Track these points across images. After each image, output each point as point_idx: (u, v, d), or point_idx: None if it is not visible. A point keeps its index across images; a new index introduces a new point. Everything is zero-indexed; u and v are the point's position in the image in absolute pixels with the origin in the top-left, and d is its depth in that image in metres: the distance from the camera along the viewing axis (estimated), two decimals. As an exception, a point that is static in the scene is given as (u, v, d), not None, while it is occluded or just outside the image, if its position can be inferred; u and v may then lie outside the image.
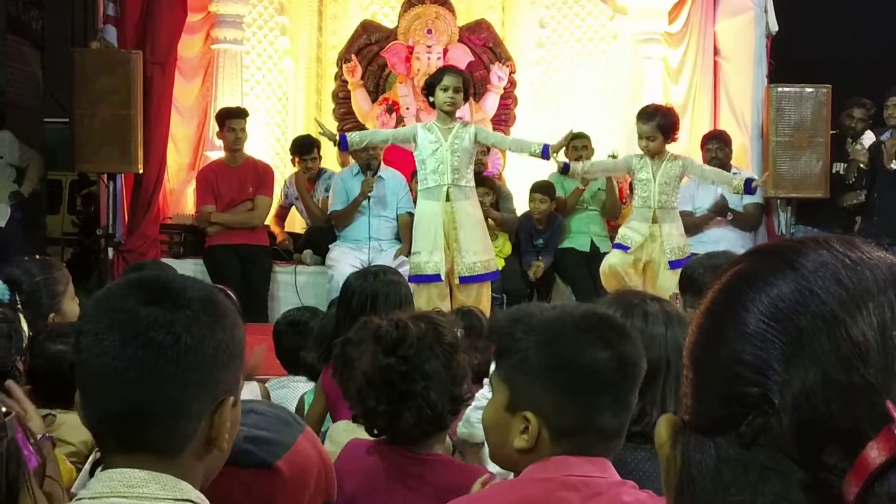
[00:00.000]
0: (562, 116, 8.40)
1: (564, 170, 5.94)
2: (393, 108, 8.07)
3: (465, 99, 5.81)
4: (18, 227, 7.63)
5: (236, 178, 7.10)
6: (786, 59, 7.83)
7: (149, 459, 1.25)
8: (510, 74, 8.28)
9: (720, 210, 7.20)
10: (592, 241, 7.24)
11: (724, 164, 7.36)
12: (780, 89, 7.36)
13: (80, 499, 1.25)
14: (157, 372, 1.23)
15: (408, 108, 8.04)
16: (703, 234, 7.25)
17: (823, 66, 7.73)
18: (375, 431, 2.14)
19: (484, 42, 8.34)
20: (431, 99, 5.71)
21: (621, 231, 5.97)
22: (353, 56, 8.15)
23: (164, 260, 6.20)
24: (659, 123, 5.66)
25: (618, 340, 1.56)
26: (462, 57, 8.21)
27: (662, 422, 0.80)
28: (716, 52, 8.10)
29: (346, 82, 8.17)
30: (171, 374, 1.24)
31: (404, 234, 7.06)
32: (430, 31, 8.11)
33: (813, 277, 0.70)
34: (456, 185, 5.65)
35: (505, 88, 8.27)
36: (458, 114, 5.88)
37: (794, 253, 0.73)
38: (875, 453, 0.64)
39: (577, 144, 7.34)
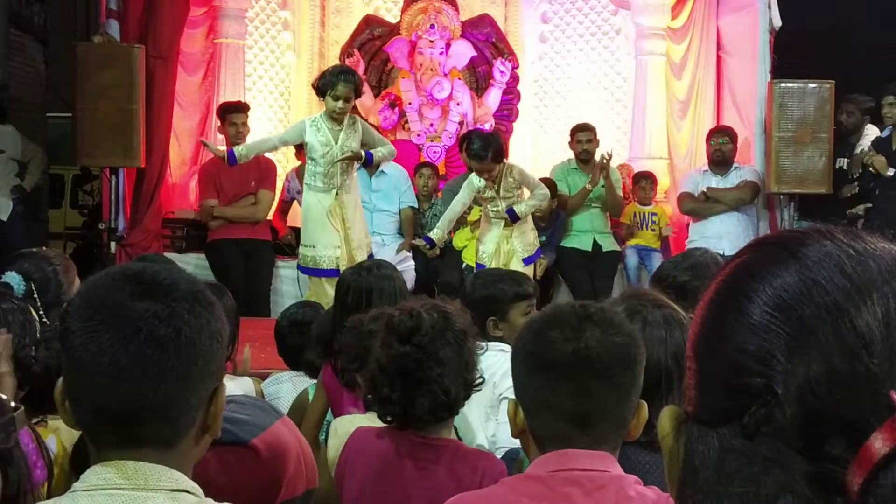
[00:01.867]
0: (564, 112, 8.41)
1: (429, 245, 6.03)
2: (395, 102, 8.07)
3: (357, 97, 5.84)
4: (20, 221, 7.63)
5: (238, 173, 7.08)
6: (789, 55, 7.81)
7: (148, 453, 1.24)
8: (513, 69, 8.27)
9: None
10: (595, 240, 7.23)
11: (728, 159, 7.36)
12: (783, 85, 7.35)
13: (73, 491, 1.24)
14: (159, 367, 1.22)
15: (410, 104, 8.03)
16: (706, 229, 7.25)
17: (827, 61, 7.70)
18: (389, 418, 2.17)
19: (487, 37, 8.33)
20: (321, 99, 5.72)
21: (479, 249, 6.04)
22: (356, 51, 8.14)
23: (167, 254, 6.20)
24: (493, 157, 5.71)
25: (583, 328, 1.59)
26: (465, 52, 8.20)
27: (665, 413, 0.80)
28: (719, 47, 8.09)
29: (348, 77, 8.15)
30: (172, 367, 1.23)
31: (407, 228, 7.06)
32: (432, 27, 8.11)
33: (817, 268, 0.70)
34: (344, 185, 5.70)
35: (507, 83, 8.26)
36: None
37: (798, 243, 0.72)
38: (879, 444, 0.63)
39: (583, 138, 7.33)
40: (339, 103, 5.58)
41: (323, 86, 5.67)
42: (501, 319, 3.26)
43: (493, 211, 5.93)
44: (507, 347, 3.14)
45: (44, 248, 3.60)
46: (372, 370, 2.17)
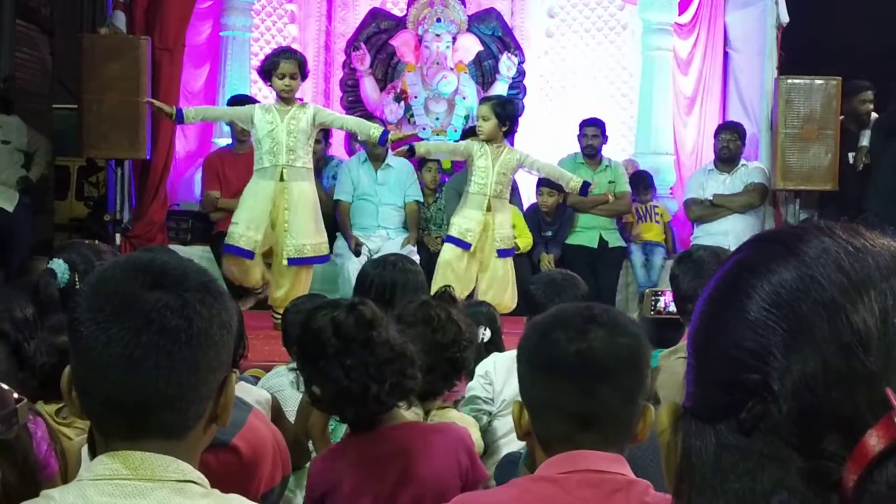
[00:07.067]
0: (570, 106, 8.40)
1: (410, 153, 5.84)
2: (401, 96, 8.06)
3: (303, 78, 5.84)
4: (26, 212, 7.63)
5: (243, 165, 7.07)
6: (796, 51, 7.78)
7: (157, 443, 1.23)
8: (519, 64, 8.26)
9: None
10: (601, 236, 7.22)
11: (735, 156, 7.34)
12: (789, 81, 7.32)
13: (80, 479, 1.24)
14: (171, 358, 1.21)
15: (416, 97, 8.02)
16: (711, 226, 7.24)
17: (834, 58, 7.67)
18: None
19: (493, 31, 8.33)
20: (269, 84, 5.78)
21: (457, 222, 5.76)
22: (362, 44, 8.14)
23: (171, 246, 6.21)
24: (494, 106, 5.70)
25: (588, 328, 1.58)
26: (471, 46, 8.20)
27: (664, 409, 0.80)
28: (726, 43, 8.09)
29: (354, 70, 8.16)
30: (184, 358, 1.22)
31: (412, 222, 7.05)
32: (439, 20, 8.10)
33: (814, 264, 0.70)
34: (291, 166, 5.66)
35: (513, 78, 8.25)
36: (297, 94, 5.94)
37: (796, 240, 0.72)
38: (874, 441, 0.63)
39: (589, 132, 7.32)
40: (286, 80, 5.63)
41: (267, 69, 5.74)
42: None
43: (478, 184, 5.67)
44: None
45: (96, 242, 3.57)
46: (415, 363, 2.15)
